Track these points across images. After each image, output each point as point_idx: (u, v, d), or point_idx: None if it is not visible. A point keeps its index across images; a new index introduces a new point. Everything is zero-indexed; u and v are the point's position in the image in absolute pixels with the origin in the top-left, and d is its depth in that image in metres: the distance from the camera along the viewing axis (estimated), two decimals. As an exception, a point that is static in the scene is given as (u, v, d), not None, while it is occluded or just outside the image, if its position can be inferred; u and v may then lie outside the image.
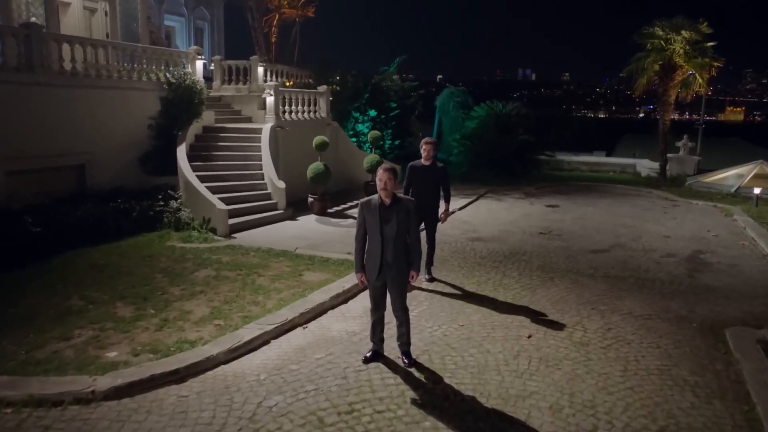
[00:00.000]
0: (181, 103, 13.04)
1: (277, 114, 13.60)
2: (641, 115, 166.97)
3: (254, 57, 17.41)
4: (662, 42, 17.17)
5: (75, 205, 9.95)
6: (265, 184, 12.29)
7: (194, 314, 6.58)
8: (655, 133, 19.09)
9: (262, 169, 12.52)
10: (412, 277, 5.39)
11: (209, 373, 5.29)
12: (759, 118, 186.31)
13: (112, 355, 5.52)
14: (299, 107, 14.57)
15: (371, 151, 15.41)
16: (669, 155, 18.70)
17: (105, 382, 4.88)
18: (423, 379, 5.21)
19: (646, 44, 17.71)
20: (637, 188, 17.02)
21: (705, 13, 17.68)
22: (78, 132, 11.26)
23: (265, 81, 16.62)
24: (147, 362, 5.33)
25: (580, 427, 4.48)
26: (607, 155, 24.69)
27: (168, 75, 13.10)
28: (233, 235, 10.38)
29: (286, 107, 14.11)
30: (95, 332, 6.03)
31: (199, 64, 14.44)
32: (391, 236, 5.16)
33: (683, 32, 16.95)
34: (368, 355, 5.57)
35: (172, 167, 11.69)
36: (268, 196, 12.07)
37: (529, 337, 6.15)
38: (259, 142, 12.96)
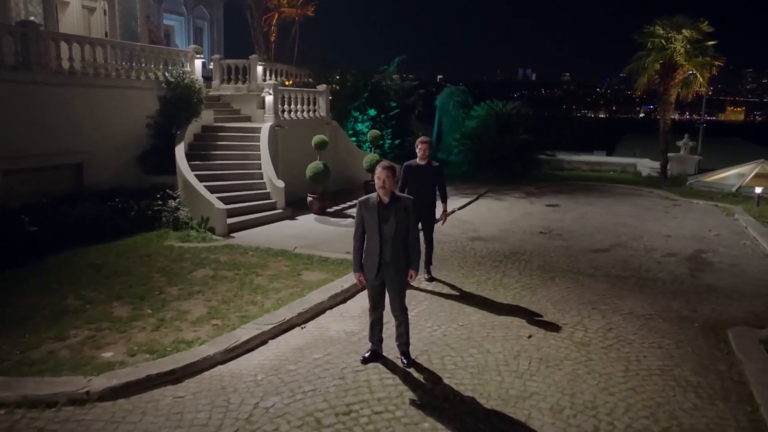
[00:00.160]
0: (180, 102, 12.98)
1: (276, 113, 13.55)
2: (641, 115, 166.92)
3: (253, 56, 17.35)
4: (663, 41, 17.10)
5: (72, 205, 9.89)
6: (264, 183, 12.24)
7: (191, 314, 6.52)
8: (656, 132, 19.03)
9: (261, 169, 12.46)
10: (411, 276, 5.34)
11: (206, 373, 5.23)
12: (759, 118, 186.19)
13: (107, 355, 5.46)
14: (298, 106, 14.51)
15: (371, 151, 15.36)
16: (670, 155, 18.63)
17: (100, 382, 4.82)
18: (422, 379, 5.15)
19: (646, 43, 17.64)
20: (638, 188, 16.96)
21: (705, 13, 17.57)
22: (76, 131, 11.21)
23: (265, 80, 16.57)
24: (143, 362, 5.28)
25: (581, 428, 4.42)
26: (608, 155, 24.61)
27: (167, 74, 13.04)
28: (232, 234, 10.33)
29: (285, 106, 14.06)
30: (91, 332, 5.97)
31: (198, 63, 14.39)
32: (389, 235, 5.10)
33: (684, 31, 16.88)
34: (367, 355, 5.51)
35: (171, 166, 11.64)
36: (267, 196, 12.01)
37: (530, 337, 6.09)
38: (258, 141, 12.90)
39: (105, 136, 11.74)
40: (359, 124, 18.14)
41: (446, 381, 5.12)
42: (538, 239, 10.55)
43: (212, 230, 10.31)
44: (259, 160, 12.57)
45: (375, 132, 15.51)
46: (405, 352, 5.46)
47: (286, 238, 10.07)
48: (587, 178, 18.92)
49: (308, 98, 14.97)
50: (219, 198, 10.70)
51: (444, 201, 7.92)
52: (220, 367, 5.36)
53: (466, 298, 7.34)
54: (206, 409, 4.63)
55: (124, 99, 12.20)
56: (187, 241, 9.77)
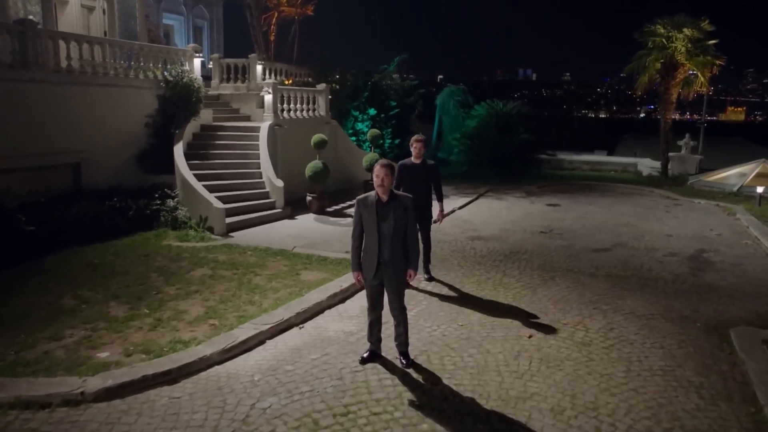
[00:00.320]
0: (179, 101, 12.93)
1: (275, 112, 13.49)
2: (642, 115, 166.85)
3: (253, 55, 17.29)
4: (664, 40, 17.03)
5: (70, 204, 9.84)
6: (263, 182, 12.18)
7: (189, 314, 6.47)
8: (656, 132, 18.96)
9: (260, 168, 12.41)
10: (410, 276, 5.28)
11: (202, 373, 5.18)
12: (760, 118, 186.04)
13: (103, 355, 5.41)
14: (298, 105, 14.46)
15: (371, 150, 15.30)
16: (671, 154, 18.57)
17: (95, 383, 4.76)
18: (421, 380, 5.09)
19: (647, 42, 17.57)
20: (639, 187, 16.89)
21: (705, 13, 17.49)
22: (74, 130, 11.14)
23: (264, 79, 16.50)
24: (139, 363, 5.22)
25: (582, 429, 4.36)
26: (608, 155, 24.56)
27: (165, 73, 12.99)
28: (230, 234, 10.27)
29: (285, 105, 14.00)
30: (87, 332, 5.92)
31: (197, 62, 14.33)
32: (388, 234, 5.04)
33: (685, 30, 16.81)
34: (365, 355, 5.45)
35: (170, 166, 11.59)
36: (266, 195, 11.96)
37: (530, 337, 6.03)
38: (257, 140, 12.84)
39: (103, 135, 11.68)
40: (359, 124, 18.08)
41: (446, 381, 5.06)
42: (539, 239, 10.49)
43: (211, 230, 10.26)
44: (258, 159, 12.52)
45: (375, 131, 15.45)
46: (404, 352, 5.40)
47: (285, 238, 10.01)
48: (588, 178, 18.86)
49: (308, 97, 14.91)
50: (218, 197, 10.65)
51: (440, 200, 7.85)
52: (216, 367, 5.30)
53: (465, 297, 7.28)
54: (202, 409, 4.57)
55: (122, 98, 12.14)
56: (185, 240, 9.71)
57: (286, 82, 18.28)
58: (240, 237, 10.09)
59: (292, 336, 6.06)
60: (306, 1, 23.39)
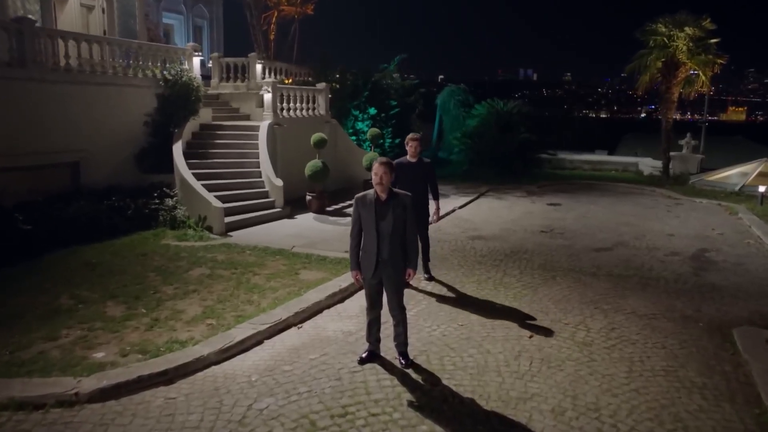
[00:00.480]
0: (178, 100, 12.87)
1: (274, 111, 13.44)
2: (643, 115, 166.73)
3: (252, 54, 17.23)
4: (665, 39, 16.94)
5: (68, 203, 9.80)
6: (263, 181, 12.13)
7: (186, 313, 6.41)
8: (657, 132, 18.89)
9: (259, 167, 12.36)
10: (409, 275, 5.22)
11: (199, 374, 5.12)
12: (761, 118, 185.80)
13: (99, 355, 5.35)
14: (297, 104, 14.40)
15: (371, 150, 15.24)
16: (672, 153, 18.49)
17: (90, 383, 4.70)
18: (420, 380, 5.03)
19: (648, 41, 17.47)
20: (640, 186, 16.82)
21: (706, 13, 17.42)
22: (72, 129, 11.09)
23: (264, 78, 16.44)
24: (135, 363, 5.16)
25: (583, 430, 4.29)
26: (609, 154, 24.48)
27: (165, 72, 12.93)
28: (229, 233, 10.22)
29: (284, 104, 13.95)
30: (83, 332, 5.86)
31: (196, 61, 14.27)
32: (387, 232, 4.98)
33: (686, 28, 16.72)
34: (364, 355, 5.38)
35: (169, 165, 11.54)
36: (265, 194, 11.90)
37: (531, 337, 5.97)
38: (257, 139, 12.79)
39: (102, 134, 11.63)
40: (359, 123, 18.02)
41: (445, 382, 4.99)
42: (540, 238, 10.43)
43: (210, 229, 10.21)
44: (258, 158, 12.47)
45: (375, 130, 15.39)
46: (403, 352, 5.34)
47: (284, 237, 9.95)
48: (589, 177, 18.79)
49: (307, 96, 14.85)
50: (217, 197, 10.60)
51: (436, 199, 7.78)
52: (213, 367, 5.24)
53: (465, 297, 7.22)
54: (198, 410, 4.51)
55: (121, 97, 12.09)
56: (184, 240, 9.66)
57: (286, 81, 18.22)
58: (239, 236, 10.03)
59: (291, 336, 6.00)
60: (306, 1, 23.32)
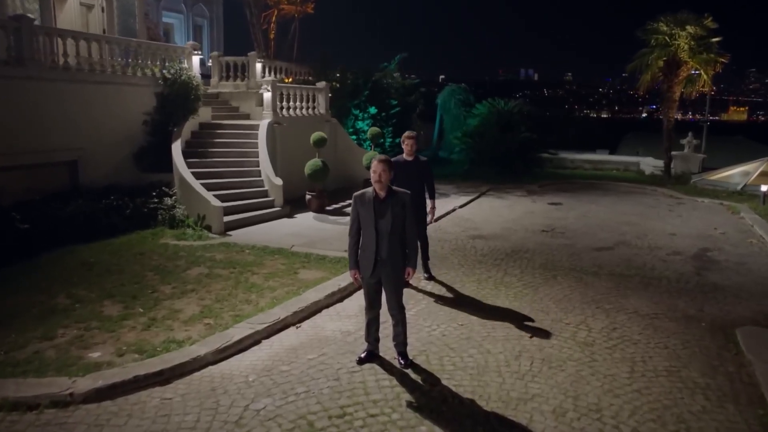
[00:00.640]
0: (177, 99, 12.82)
1: (274, 110, 13.38)
2: (644, 115, 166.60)
3: (252, 53, 17.16)
4: (667, 37, 16.87)
5: (67, 202, 9.74)
6: (262, 181, 12.07)
7: (184, 313, 6.35)
8: (658, 132, 18.81)
9: (259, 166, 12.30)
10: (408, 274, 5.16)
11: (196, 374, 5.06)
12: (762, 118, 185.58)
13: (95, 355, 5.29)
14: (297, 103, 14.35)
15: (371, 149, 15.18)
16: (673, 153, 18.42)
17: (85, 384, 4.64)
18: (420, 380, 4.97)
19: (650, 40, 17.39)
20: (641, 186, 16.76)
21: (707, 12, 17.33)
22: (71, 127, 11.04)
23: (264, 77, 16.39)
24: (131, 363, 5.10)
25: (585, 431, 4.24)
26: (610, 154, 24.42)
27: (164, 71, 12.88)
28: (228, 232, 10.16)
29: (284, 103, 13.89)
30: (80, 332, 5.80)
31: (196, 59, 14.21)
32: (386, 231, 4.91)
33: (688, 27, 16.64)
34: (363, 355, 5.33)
35: (168, 164, 11.49)
36: (265, 194, 11.85)
37: (531, 337, 5.90)
38: (257, 138, 12.74)
39: (101, 132, 11.58)
40: (359, 122, 17.96)
41: (445, 382, 4.93)
42: (541, 237, 10.37)
43: (209, 228, 10.15)
44: (257, 157, 12.41)
45: (375, 130, 15.32)
46: (402, 352, 5.28)
47: (283, 236, 9.90)
48: (590, 177, 18.72)
49: (307, 95, 14.80)
50: (216, 196, 10.54)
51: (432, 197, 7.71)
52: (210, 367, 5.18)
53: (466, 297, 7.16)
54: (194, 411, 4.45)
55: (120, 95, 12.03)
56: (182, 239, 9.60)
57: (286, 80, 18.16)
58: (238, 235, 9.98)
59: (289, 336, 5.95)
60: (306, -1, 23.29)
